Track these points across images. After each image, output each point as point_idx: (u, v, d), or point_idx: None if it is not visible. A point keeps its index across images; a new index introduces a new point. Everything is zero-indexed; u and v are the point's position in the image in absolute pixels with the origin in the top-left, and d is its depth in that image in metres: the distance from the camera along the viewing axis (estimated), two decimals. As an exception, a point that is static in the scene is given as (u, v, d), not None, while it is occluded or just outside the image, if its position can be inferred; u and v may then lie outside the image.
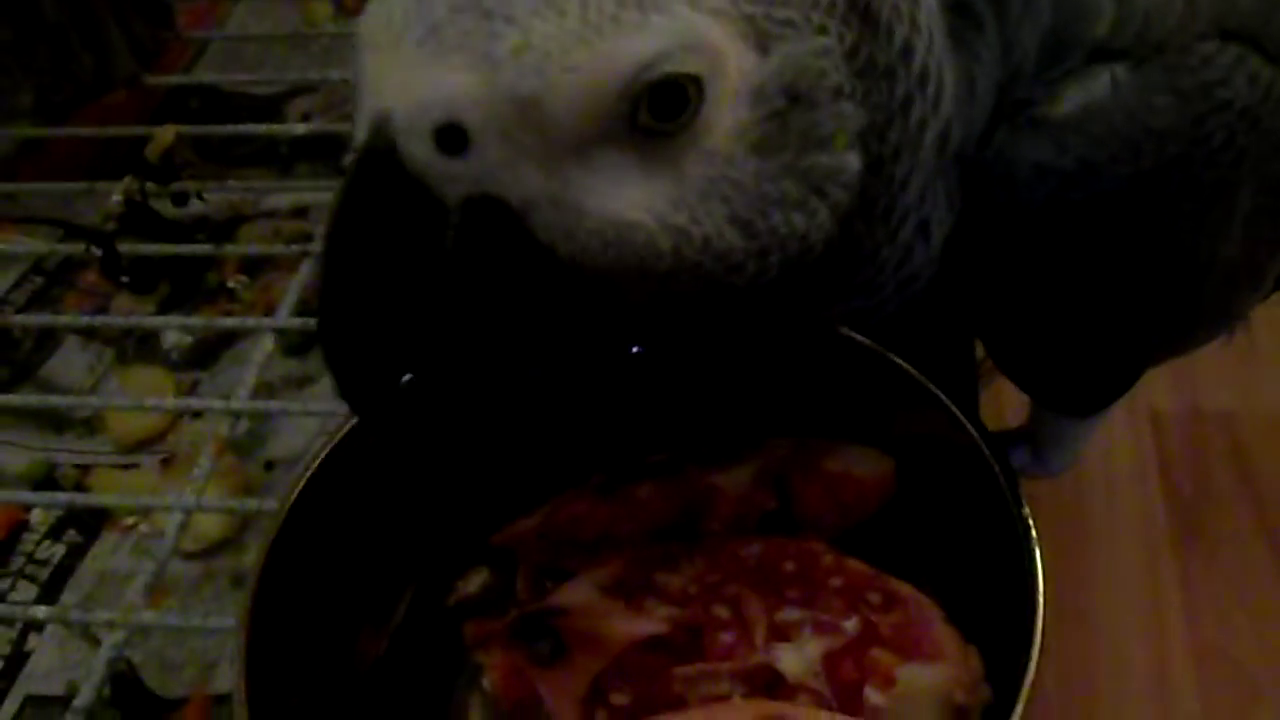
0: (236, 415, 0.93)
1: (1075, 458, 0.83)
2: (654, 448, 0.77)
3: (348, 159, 0.47)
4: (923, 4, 0.52)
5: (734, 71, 0.46)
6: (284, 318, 0.99)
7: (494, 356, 0.49)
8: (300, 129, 1.19)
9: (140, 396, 1.12)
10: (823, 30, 0.47)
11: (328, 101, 1.40)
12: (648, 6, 0.43)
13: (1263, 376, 1.54)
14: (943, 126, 0.54)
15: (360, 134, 0.46)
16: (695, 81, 0.45)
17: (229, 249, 1.09)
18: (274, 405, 0.96)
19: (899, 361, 0.69)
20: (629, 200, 0.46)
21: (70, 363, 1.17)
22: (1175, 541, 1.41)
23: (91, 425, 1.11)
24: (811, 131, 0.48)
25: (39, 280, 1.26)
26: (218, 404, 0.94)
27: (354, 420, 0.70)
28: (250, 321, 1.02)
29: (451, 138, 0.43)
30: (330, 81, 1.35)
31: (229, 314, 1.18)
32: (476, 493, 0.75)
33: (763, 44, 0.46)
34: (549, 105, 0.43)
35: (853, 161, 0.50)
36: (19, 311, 1.22)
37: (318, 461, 0.69)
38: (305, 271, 1.03)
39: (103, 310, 1.21)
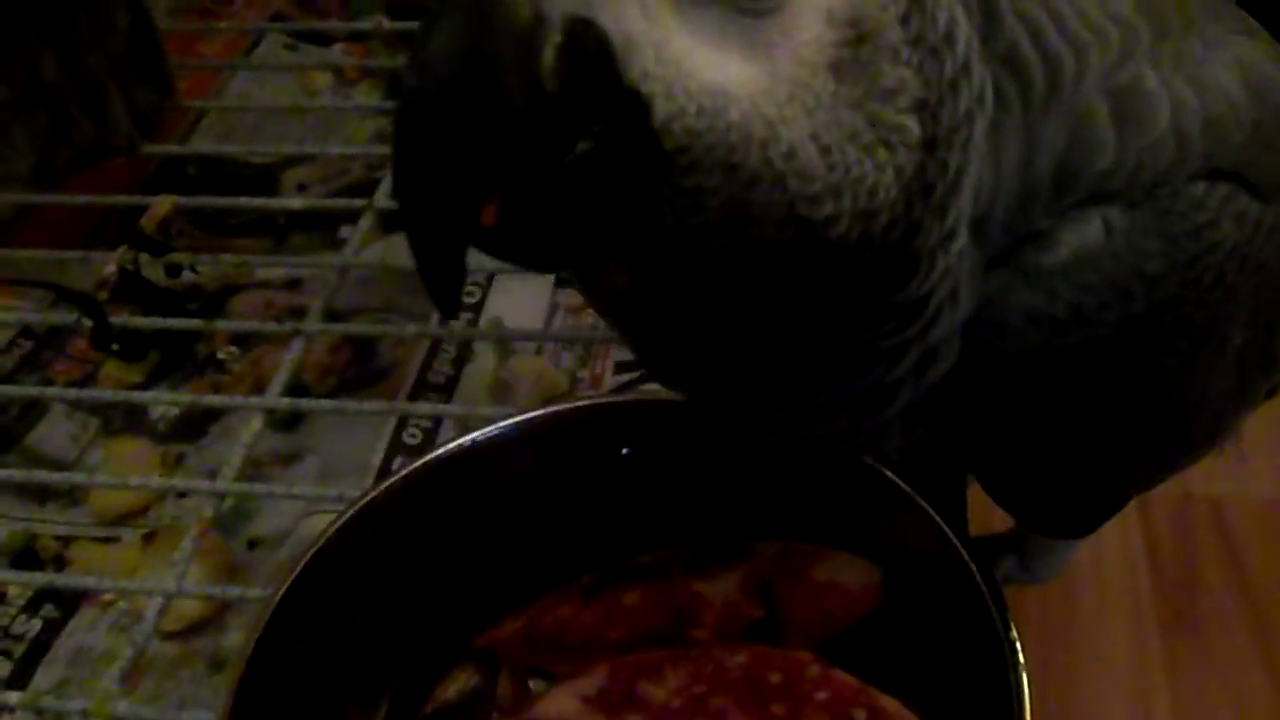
0: (221, 496, 0.92)
1: (1063, 566, 0.82)
2: (641, 548, 0.77)
3: None
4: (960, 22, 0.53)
5: None
6: (274, 397, 0.99)
7: (565, 216, 0.45)
8: (296, 204, 1.20)
9: (125, 468, 1.11)
10: None
11: (324, 173, 1.41)
12: None
13: (1252, 465, 1.54)
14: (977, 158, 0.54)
15: None
16: None
17: (220, 325, 1.09)
18: (260, 488, 0.96)
19: (884, 470, 0.69)
20: (728, 73, 0.45)
21: (56, 430, 1.16)
22: (1164, 629, 1.40)
23: (74, 496, 1.10)
24: (877, 79, 0.48)
25: (28, 344, 1.26)
26: (203, 485, 0.93)
27: (344, 517, 0.70)
28: (239, 400, 1.02)
29: None
30: (328, 156, 1.36)
31: (218, 386, 1.19)
32: (462, 590, 0.75)
33: None
34: None
35: (913, 125, 0.50)
36: (9, 376, 1.22)
37: (306, 558, 0.68)
38: (296, 349, 1.03)
39: (91, 378, 1.21)
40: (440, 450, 0.73)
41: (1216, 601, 1.40)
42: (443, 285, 0.46)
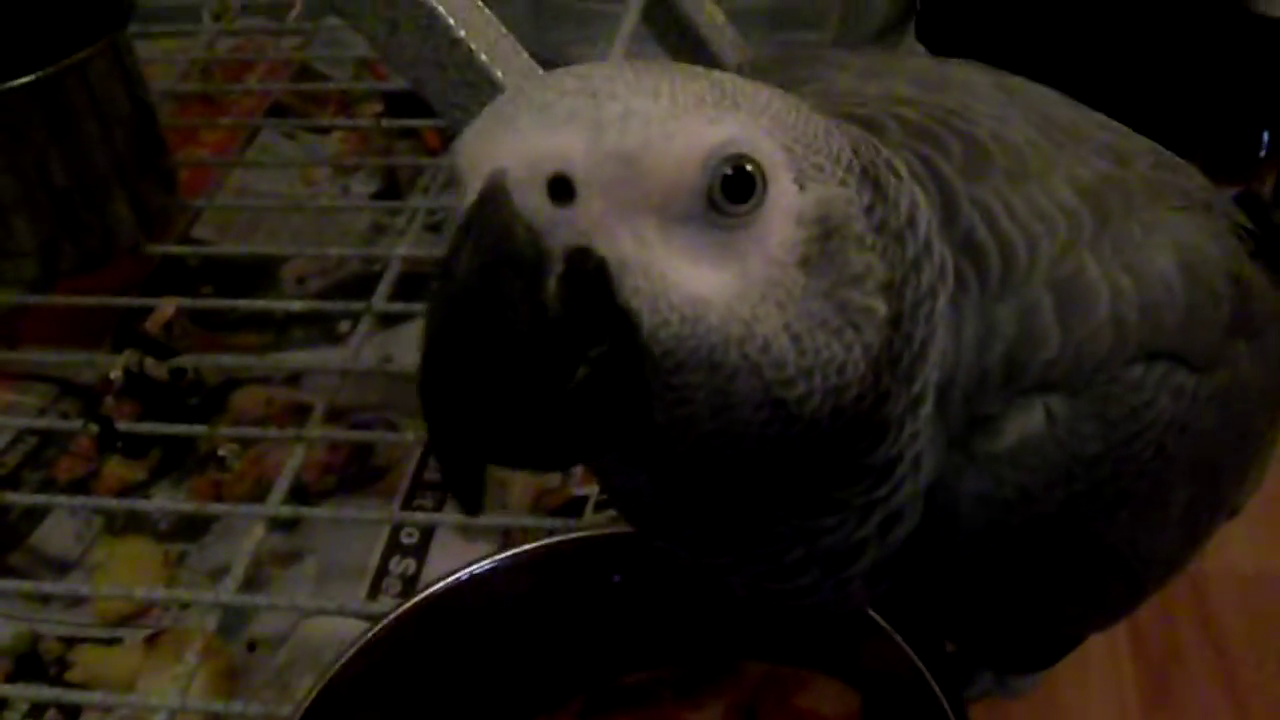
0: (225, 609, 0.95)
1: (1039, 681, 0.85)
2: (632, 667, 0.80)
3: (457, 216, 0.49)
4: (919, 217, 0.57)
5: (783, 187, 0.51)
6: (274, 505, 1.02)
7: (572, 430, 0.50)
8: (296, 306, 1.23)
9: (128, 567, 1.14)
10: (844, 184, 0.53)
11: (323, 265, 1.45)
12: (723, 106, 0.50)
13: (1228, 537, 1.57)
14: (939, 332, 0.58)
15: (472, 192, 0.48)
16: (760, 171, 0.49)
17: (223, 431, 1.12)
18: (261, 600, 0.99)
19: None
20: (705, 282, 0.49)
21: (59, 530, 1.19)
22: (1145, 705, 1.43)
23: (77, 597, 1.12)
24: (845, 268, 0.52)
25: (32, 440, 1.29)
26: (206, 597, 0.96)
27: (347, 655, 0.73)
28: (242, 509, 1.05)
29: (561, 188, 0.47)
30: (326, 257, 1.40)
31: (219, 484, 1.22)
32: (458, 714, 0.78)
33: (800, 179, 0.51)
34: (646, 163, 0.48)
35: (880, 306, 0.53)
36: (13, 472, 1.25)
37: (311, 695, 0.71)
38: (298, 456, 1.06)
39: (94, 474, 1.23)
40: (440, 584, 0.75)
41: (1196, 679, 1.43)
42: (467, 492, 0.50)
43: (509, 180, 0.47)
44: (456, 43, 0.87)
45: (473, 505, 0.50)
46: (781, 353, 0.51)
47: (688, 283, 0.49)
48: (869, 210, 0.53)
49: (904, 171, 0.58)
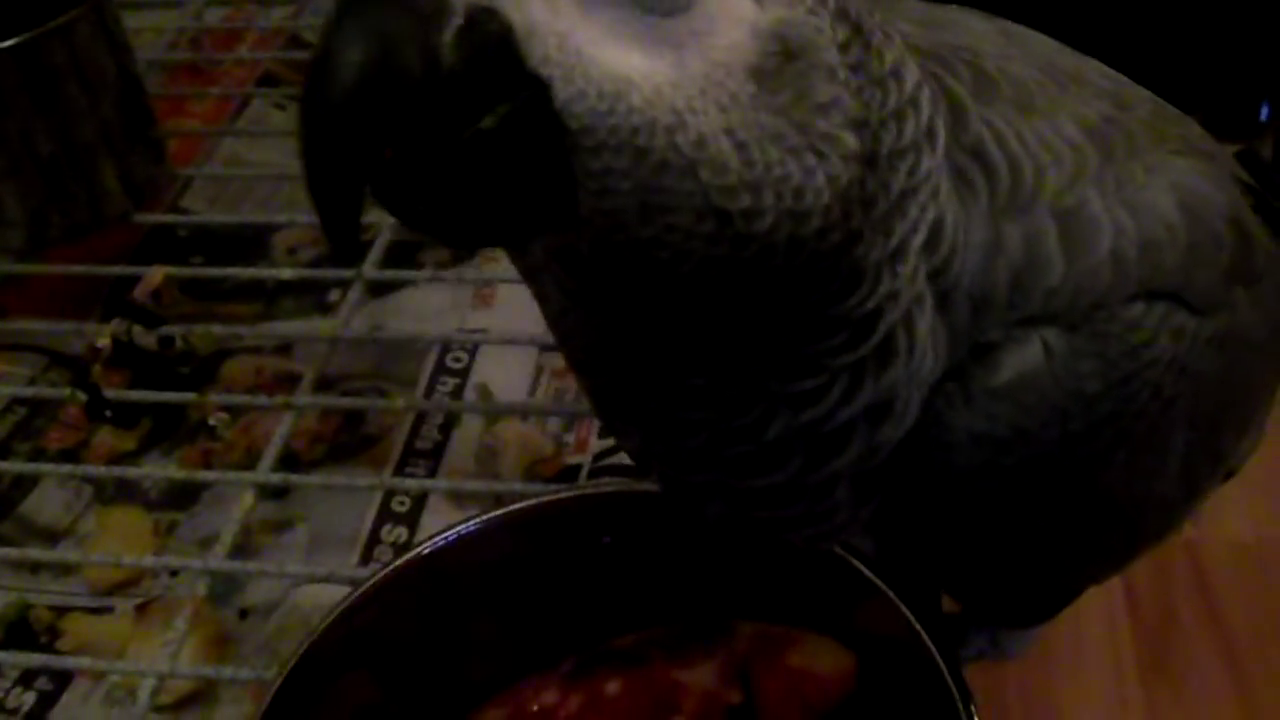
0: (214, 575, 0.94)
1: (1033, 642, 0.84)
2: (623, 630, 0.79)
3: None
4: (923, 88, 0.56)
5: None
6: (264, 472, 1.01)
7: (473, 187, 0.48)
8: (286, 273, 1.22)
9: (118, 536, 1.13)
10: (814, 13, 0.51)
11: (314, 235, 1.43)
12: None
13: (1225, 504, 1.57)
14: (937, 215, 0.56)
15: None
16: None
17: (212, 398, 1.11)
18: (252, 566, 0.98)
19: (851, 558, 0.71)
20: (631, 63, 0.48)
21: (49, 499, 1.18)
22: (1143, 673, 1.42)
23: (67, 565, 1.12)
24: (807, 92, 0.50)
25: (22, 411, 1.28)
26: (195, 563, 0.95)
27: (334, 613, 0.72)
28: (231, 475, 1.04)
29: None
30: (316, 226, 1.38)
31: (209, 452, 1.21)
32: (449, 675, 0.77)
33: None
34: None
35: (849, 139, 0.51)
36: (2, 443, 1.24)
37: (301, 649, 0.70)
38: (287, 423, 1.05)
39: (84, 444, 1.23)
40: (426, 545, 0.75)
41: (1194, 648, 1.42)
42: (339, 232, 0.48)
43: None
44: None
45: (345, 249, 0.49)
46: (721, 154, 0.49)
47: (610, 60, 0.47)
48: (844, 47, 0.52)
49: (898, 41, 0.56)
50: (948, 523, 0.62)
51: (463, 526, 0.75)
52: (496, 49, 0.46)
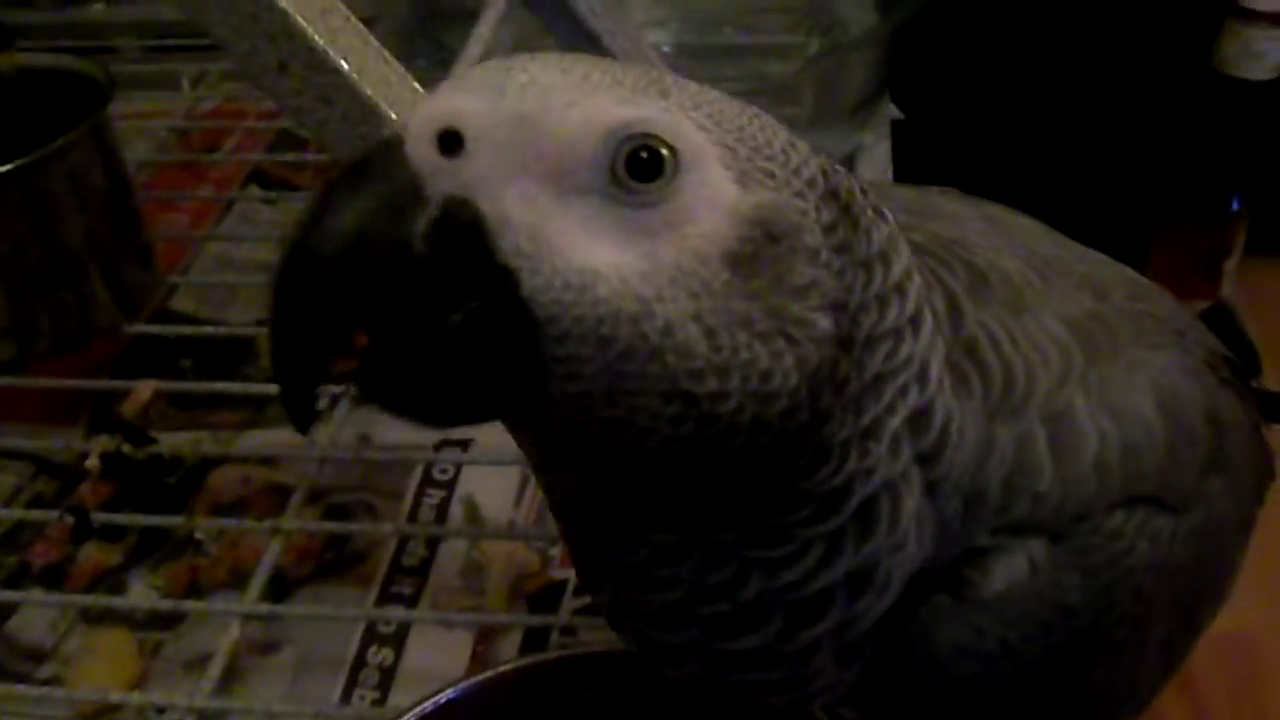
0: (201, 713, 0.95)
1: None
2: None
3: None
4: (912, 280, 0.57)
5: (713, 179, 0.50)
6: (252, 602, 1.02)
7: (444, 376, 0.49)
8: (274, 389, 1.22)
9: (103, 657, 1.13)
10: (801, 196, 0.52)
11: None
12: (645, 92, 0.50)
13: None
14: (926, 401, 0.57)
15: None
16: (673, 153, 0.49)
17: (200, 521, 1.12)
18: (237, 706, 0.98)
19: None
20: (600, 255, 0.49)
21: (34, 618, 1.18)
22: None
23: (52, 685, 1.11)
24: (785, 276, 0.51)
25: (8, 523, 1.28)
26: (180, 702, 0.96)
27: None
28: (218, 606, 1.04)
29: (449, 141, 0.48)
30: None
31: (196, 569, 1.21)
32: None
33: (742, 180, 0.51)
34: (540, 126, 0.48)
35: (824, 323, 0.52)
36: (-15, 556, 1.24)
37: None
38: (274, 550, 1.06)
39: (70, 559, 1.23)
40: (410, 714, 0.75)
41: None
42: (297, 405, 0.49)
43: (405, 132, 0.49)
44: (340, 74, 0.79)
45: (303, 424, 0.50)
46: (688, 341, 0.49)
47: (580, 252, 0.49)
48: (829, 228, 0.53)
49: (891, 223, 0.58)
50: (931, 713, 0.63)
51: (446, 693, 0.76)
52: (469, 240, 0.48)
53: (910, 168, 1.57)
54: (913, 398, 0.57)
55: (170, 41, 1.79)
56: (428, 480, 1.28)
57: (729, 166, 0.50)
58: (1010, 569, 0.59)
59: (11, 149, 1.19)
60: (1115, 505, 0.61)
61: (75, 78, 1.33)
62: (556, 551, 1.21)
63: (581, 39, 1.12)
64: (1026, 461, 0.60)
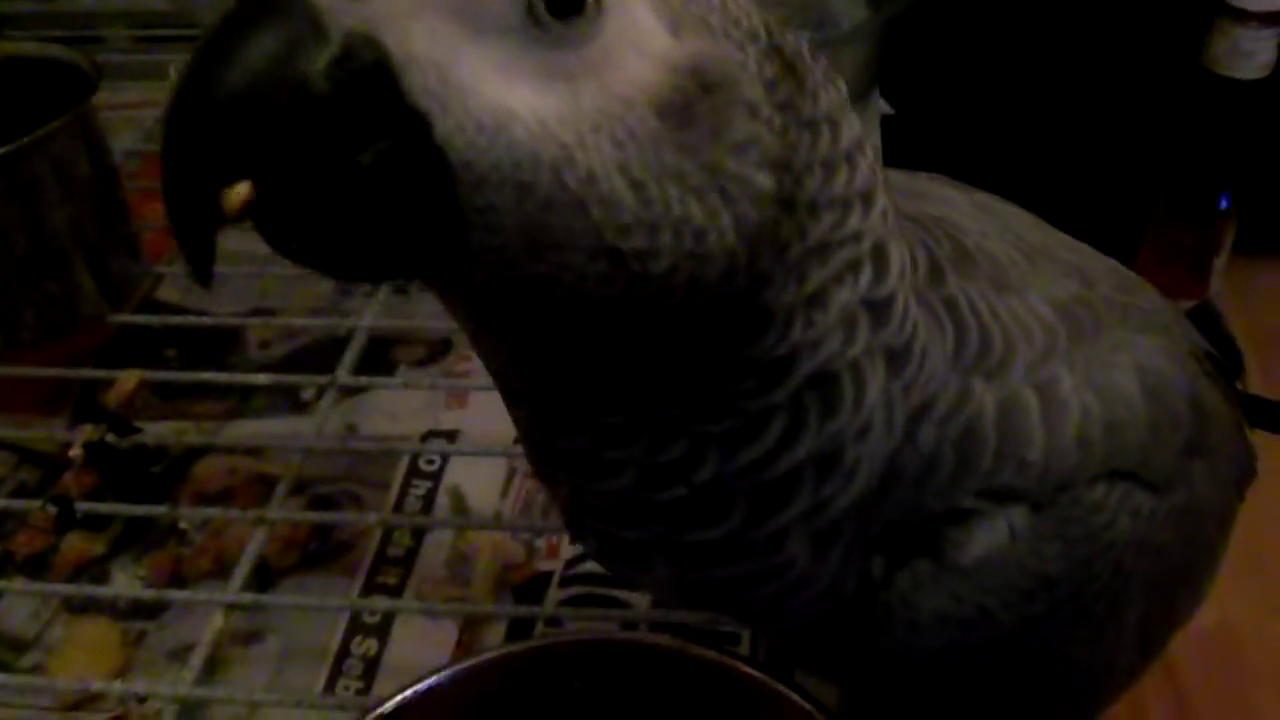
0: (183, 702, 0.94)
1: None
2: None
3: None
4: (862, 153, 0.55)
5: (642, 23, 0.48)
6: (236, 591, 1.01)
7: (358, 221, 0.47)
8: (261, 379, 1.22)
9: (86, 648, 1.13)
10: (740, 48, 0.50)
11: (286, 329, 1.44)
12: None
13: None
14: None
15: None
16: None
17: (184, 512, 1.11)
18: (220, 693, 0.98)
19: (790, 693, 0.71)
20: (517, 96, 0.46)
21: (17, 607, 1.17)
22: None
23: (35, 674, 1.11)
24: (721, 129, 0.49)
25: (-10, 512, 1.27)
26: (163, 690, 0.95)
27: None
28: (201, 595, 1.04)
29: None
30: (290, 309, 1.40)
31: (179, 558, 1.21)
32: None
33: (675, 27, 0.48)
34: None
35: (764, 181, 0.50)
36: (-33, 545, 1.23)
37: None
38: (259, 539, 1.06)
39: (53, 548, 1.22)
40: (387, 704, 0.75)
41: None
42: (195, 253, 0.46)
43: None
44: None
45: (203, 274, 0.47)
46: (614, 193, 0.47)
47: (494, 93, 0.46)
48: (771, 85, 0.51)
49: (843, 89, 0.55)
50: (912, 685, 0.63)
51: (429, 680, 0.76)
52: (373, 79, 0.45)
53: (900, 163, 1.58)
54: (866, 279, 0.56)
55: (158, 31, 1.77)
56: (414, 471, 1.27)
57: (659, 13, 0.48)
58: (992, 534, 0.59)
59: (-1, 137, 1.19)
60: (1097, 478, 0.62)
61: (61, 66, 1.32)
62: (542, 542, 1.21)
63: None
64: (1015, 425, 0.60)
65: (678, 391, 0.55)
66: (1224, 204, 1.55)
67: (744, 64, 0.50)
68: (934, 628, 0.60)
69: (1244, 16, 1.32)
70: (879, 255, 0.57)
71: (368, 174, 0.46)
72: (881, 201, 0.57)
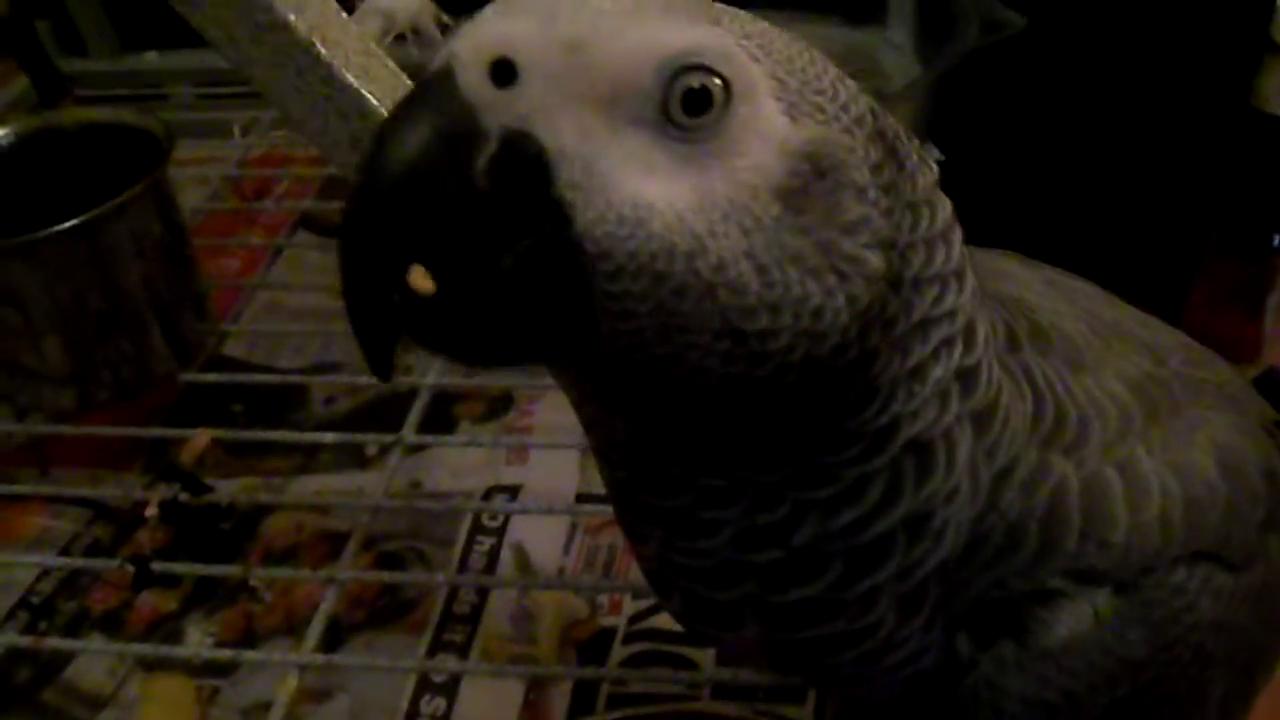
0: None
1: None
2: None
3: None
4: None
5: (765, 111, 0.49)
6: (309, 652, 1.03)
7: (495, 313, 0.49)
8: (329, 438, 1.25)
9: (161, 705, 1.15)
10: (849, 132, 0.52)
11: (352, 384, 1.47)
12: (698, 19, 0.49)
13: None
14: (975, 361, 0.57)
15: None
16: (725, 85, 0.48)
17: (256, 571, 1.14)
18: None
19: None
20: (653, 187, 0.48)
21: (93, 665, 1.20)
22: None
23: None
24: (835, 211, 0.50)
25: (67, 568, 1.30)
26: (242, 753, 0.97)
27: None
28: (276, 656, 1.06)
29: (502, 71, 0.47)
30: (354, 365, 1.42)
31: (250, 615, 1.23)
32: None
33: (792, 113, 0.50)
34: (593, 53, 0.47)
35: (875, 260, 0.52)
36: (48, 600, 1.26)
37: None
38: (330, 598, 1.07)
39: (128, 604, 1.25)
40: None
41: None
42: (378, 358, 0.49)
43: (456, 62, 0.47)
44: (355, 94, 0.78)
45: (384, 372, 0.49)
46: (741, 277, 0.49)
47: (633, 185, 0.48)
48: (876, 168, 0.52)
49: (935, 169, 0.57)
50: None
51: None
52: (527, 174, 0.47)
53: (954, 207, 1.58)
54: (958, 351, 0.57)
55: (222, 90, 1.82)
56: (478, 527, 1.29)
57: (779, 99, 0.50)
58: (1077, 617, 0.59)
59: (74, 202, 1.22)
60: (1179, 560, 0.62)
61: (134, 131, 1.36)
62: (605, 599, 1.22)
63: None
64: (1099, 505, 0.60)
65: (782, 458, 0.56)
66: (1277, 241, 1.54)
67: (853, 147, 0.52)
68: (1019, 712, 0.60)
69: (1293, 55, 1.31)
70: (969, 329, 0.58)
71: (512, 270, 0.48)
72: (971, 279, 0.59)
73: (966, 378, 0.58)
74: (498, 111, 0.47)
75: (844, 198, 0.51)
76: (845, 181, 0.51)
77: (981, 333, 0.59)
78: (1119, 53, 1.63)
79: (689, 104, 0.48)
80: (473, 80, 0.47)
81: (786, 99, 0.50)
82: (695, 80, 0.48)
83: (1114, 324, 0.70)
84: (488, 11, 0.49)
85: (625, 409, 0.56)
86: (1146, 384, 0.66)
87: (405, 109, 0.49)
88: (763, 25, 0.52)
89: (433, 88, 0.48)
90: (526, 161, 0.47)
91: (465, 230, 0.47)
